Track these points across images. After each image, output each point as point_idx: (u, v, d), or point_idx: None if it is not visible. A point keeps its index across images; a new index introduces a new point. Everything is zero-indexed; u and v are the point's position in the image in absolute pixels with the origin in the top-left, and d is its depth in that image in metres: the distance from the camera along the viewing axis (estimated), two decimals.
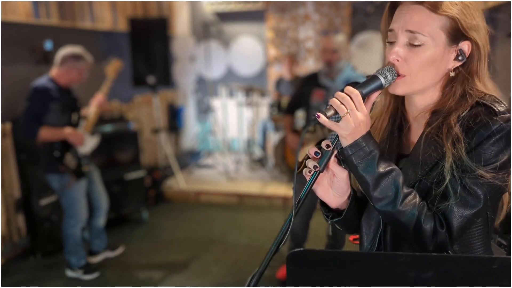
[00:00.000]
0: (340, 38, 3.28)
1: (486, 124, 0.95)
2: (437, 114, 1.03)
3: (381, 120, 1.14)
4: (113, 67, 3.46)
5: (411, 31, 0.99)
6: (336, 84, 3.16)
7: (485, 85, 1.03)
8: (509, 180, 0.98)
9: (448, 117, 1.00)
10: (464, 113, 0.99)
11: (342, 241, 3.39)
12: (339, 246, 3.39)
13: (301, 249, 0.70)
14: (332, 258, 0.71)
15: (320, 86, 3.22)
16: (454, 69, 1.03)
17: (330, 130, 1.00)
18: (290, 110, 3.56)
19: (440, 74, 1.03)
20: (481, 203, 0.96)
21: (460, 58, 1.01)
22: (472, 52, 1.01)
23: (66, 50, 3.22)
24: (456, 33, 1.00)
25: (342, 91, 0.99)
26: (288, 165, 4.04)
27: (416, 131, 1.10)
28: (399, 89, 1.04)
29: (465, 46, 1.01)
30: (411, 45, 0.99)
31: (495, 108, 0.97)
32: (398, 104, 1.14)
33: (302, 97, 3.34)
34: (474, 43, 1.01)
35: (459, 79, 1.03)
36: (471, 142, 0.96)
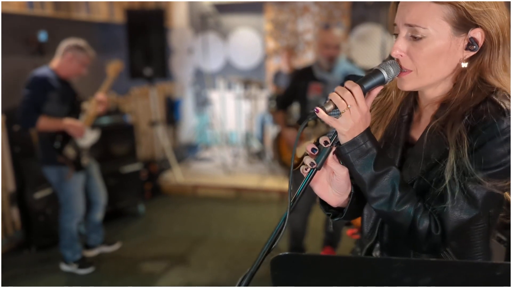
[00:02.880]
0: (340, 32, 3.22)
1: (492, 124, 0.89)
2: (445, 107, 0.98)
3: (390, 108, 1.10)
4: (114, 67, 3.47)
5: (410, 25, 0.93)
6: (334, 76, 3.11)
7: (498, 79, 0.95)
8: (509, 188, 0.92)
9: (454, 113, 0.94)
10: (471, 109, 0.93)
11: (339, 236, 3.37)
12: (335, 241, 3.37)
13: (286, 253, 0.66)
14: (320, 263, 0.67)
15: (316, 79, 3.16)
16: (468, 60, 0.95)
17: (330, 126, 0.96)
18: (283, 105, 3.44)
19: (450, 66, 0.96)
20: (478, 209, 0.92)
21: (472, 47, 0.94)
22: (485, 41, 0.94)
23: (70, 41, 3.20)
24: (463, 22, 0.92)
25: (342, 85, 0.94)
26: (284, 162, 3.94)
27: (426, 121, 1.04)
28: (407, 85, 0.99)
29: (477, 33, 0.93)
30: (413, 38, 0.94)
31: (504, 107, 0.89)
32: (410, 92, 1.08)
33: (297, 91, 3.26)
34: (485, 31, 0.92)
35: (470, 71, 0.95)
36: (474, 143, 0.90)
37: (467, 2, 0.90)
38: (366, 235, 1.12)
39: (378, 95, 1.00)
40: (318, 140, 1.00)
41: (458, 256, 1.00)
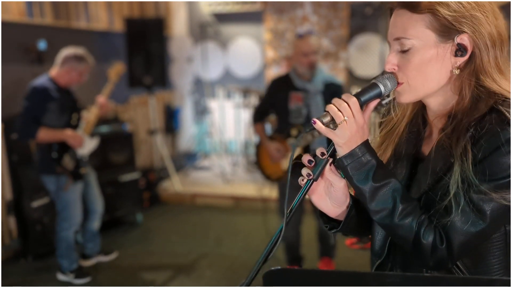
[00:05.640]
0: (315, 39, 3.17)
1: (496, 134, 0.87)
2: (451, 119, 0.97)
3: (399, 125, 1.10)
4: (116, 70, 3.47)
5: (397, 39, 0.96)
6: (314, 85, 3.02)
7: (495, 81, 0.93)
8: None
9: (459, 124, 0.94)
10: (476, 121, 0.92)
11: (334, 245, 3.34)
12: (331, 251, 3.34)
13: (278, 267, 0.65)
14: (312, 278, 0.66)
15: (296, 88, 3.07)
16: (460, 66, 0.95)
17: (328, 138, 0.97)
18: (260, 117, 3.32)
19: (442, 74, 0.95)
20: (486, 222, 0.88)
21: (460, 53, 0.93)
22: (473, 46, 0.93)
23: (69, 51, 3.19)
24: (445, 29, 0.92)
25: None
26: (267, 175, 3.52)
27: (435, 135, 1.03)
28: (402, 97, 1.00)
29: (464, 39, 0.92)
30: (402, 51, 0.96)
31: (508, 116, 0.88)
32: (419, 107, 1.08)
33: (275, 102, 3.18)
34: (470, 36, 0.92)
35: (465, 77, 0.95)
36: (478, 155, 0.88)
37: (448, 9, 0.91)
38: (376, 253, 1.10)
39: (385, 114, 1.00)
40: (314, 151, 1.00)
41: (472, 275, 0.95)
